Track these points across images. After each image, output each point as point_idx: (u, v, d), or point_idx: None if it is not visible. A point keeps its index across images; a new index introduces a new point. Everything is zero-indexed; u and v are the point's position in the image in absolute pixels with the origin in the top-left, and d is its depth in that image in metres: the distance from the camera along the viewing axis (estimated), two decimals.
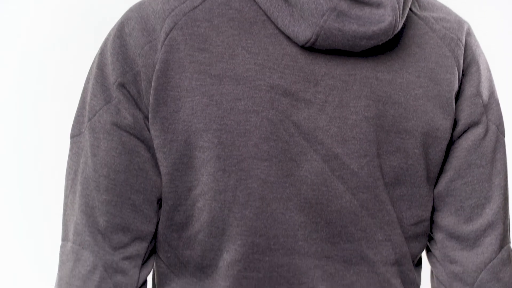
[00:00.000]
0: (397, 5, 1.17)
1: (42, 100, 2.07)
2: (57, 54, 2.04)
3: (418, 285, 1.31)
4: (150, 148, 1.19)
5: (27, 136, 2.11)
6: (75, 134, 1.22)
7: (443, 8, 1.30)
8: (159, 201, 1.22)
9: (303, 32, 1.15)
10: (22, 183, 2.12)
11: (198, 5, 1.18)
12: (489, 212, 1.26)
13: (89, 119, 1.19)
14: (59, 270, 1.21)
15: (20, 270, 2.17)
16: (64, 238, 1.22)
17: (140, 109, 1.18)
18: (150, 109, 1.17)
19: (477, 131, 1.27)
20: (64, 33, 2.05)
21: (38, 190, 2.11)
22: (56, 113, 2.06)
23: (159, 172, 1.19)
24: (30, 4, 2.08)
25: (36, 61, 2.07)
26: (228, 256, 1.20)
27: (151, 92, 1.16)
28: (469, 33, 1.29)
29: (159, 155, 1.18)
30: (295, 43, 1.18)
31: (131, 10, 1.20)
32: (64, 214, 1.23)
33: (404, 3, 1.19)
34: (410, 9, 1.25)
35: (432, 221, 1.30)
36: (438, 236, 1.29)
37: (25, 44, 2.08)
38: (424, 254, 1.34)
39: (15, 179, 2.13)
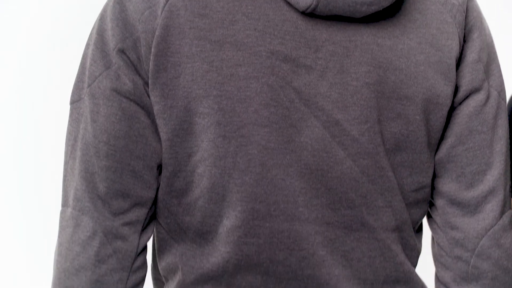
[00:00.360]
0: None
1: (42, 100, 2.07)
2: (58, 53, 2.04)
3: (418, 251, 1.31)
4: (150, 114, 1.18)
5: (27, 136, 2.11)
6: (75, 100, 1.22)
7: None
8: (159, 167, 1.22)
9: None
10: (22, 183, 2.13)
11: None
12: (490, 179, 1.27)
13: (89, 85, 1.19)
14: (59, 236, 1.22)
15: (20, 269, 2.19)
16: (64, 204, 1.22)
17: (140, 75, 1.18)
18: (150, 75, 1.16)
19: (479, 97, 1.27)
20: (64, 32, 2.05)
21: (37, 190, 2.12)
22: (56, 113, 2.06)
23: (159, 138, 1.19)
24: (31, 3, 2.07)
25: (37, 60, 2.07)
26: (228, 222, 1.20)
27: (151, 58, 1.16)
28: None
29: (159, 121, 1.18)
30: (296, 9, 1.17)
31: None
32: (64, 180, 1.23)
33: None
34: None
35: (433, 187, 1.30)
36: (439, 202, 1.29)
37: (25, 44, 2.08)
38: (425, 220, 1.34)
39: (15, 179, 2.14)
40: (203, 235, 1.22)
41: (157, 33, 1.15)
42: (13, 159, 2.12)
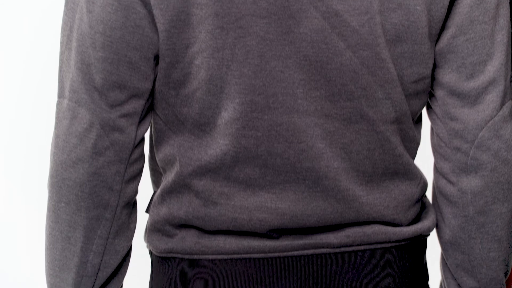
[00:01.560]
0: None
1: (43, 100, 2.05)
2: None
3: (417, 142, 1.32)
4: (146, 4, 1.17)
5: (27, 136, 2.10)
6: None
7: None
8: (156, 58, 1.21)
9: None
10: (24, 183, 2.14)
11: None
12: (491, 69, 1.26)
13: None
14: (55, 128, 1.22)
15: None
16: (60, 95, 1.22)
17: None
18: None
19: None
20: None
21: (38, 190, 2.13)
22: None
23: (156, 29, 1.18)
24: (32, 3, 2.03)
25: (37, 60, 2.04)
26: (227, 114, 1.20)
27: None
28: None
29: (155, 12, 1.16)
30: None
31: None
32: (60, 71, 1.23)
33: None
34: None
35: (433, 78, 1.30)
36: (439, 93, 1.29)
37: (26, 44, 2.04)
38: (424, 111, 1.34)
39: (18, 179, 2.14)
40: (201, 127, 1.23)
41: None
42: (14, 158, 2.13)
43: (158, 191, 1.30)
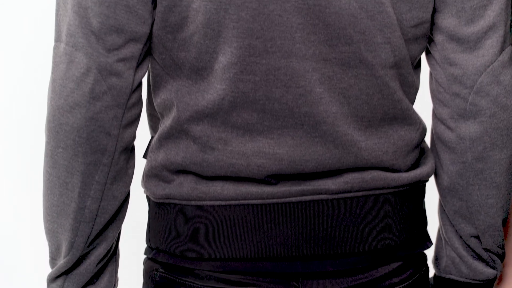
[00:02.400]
0: None
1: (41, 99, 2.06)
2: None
3: (416, 87, 1.32)
4: None
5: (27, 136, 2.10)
6: None
7: None
8: (154, 2, 1.21)
9: None
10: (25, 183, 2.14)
11: None
12: (491, 14, 1.26)
13: None
14: (52, 72, 1.22)
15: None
16: (57, 39, 1.22)
17: None
18: None
19: None
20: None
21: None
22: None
23: None
24: (31, 3, 2.02)
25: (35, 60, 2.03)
26: (224, 58, 1.20)
27: None
28: None
29: None
30: None
31: None
32: (57, 15, 1.23)
33: None
34: None
35: (432, 23, 1.29)
36: (438, 38, 1.29)
37: (26, 44, 2.03)
38: (423, 57, 1.34)
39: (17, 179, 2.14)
40: (199, 71, 1.23)
41: None
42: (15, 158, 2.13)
43: (156, 136, 1.30)
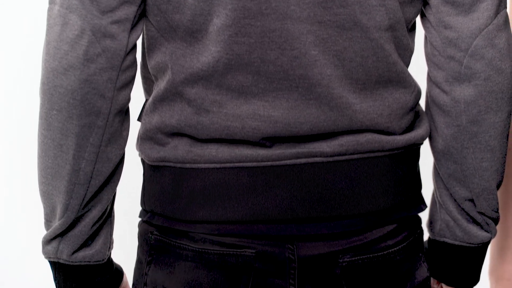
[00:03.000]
0: None
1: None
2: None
3: (411, 50, 1.33)
4: None
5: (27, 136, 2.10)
6: None
7: None
8: None
9: None
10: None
11: None
12: None
13: None
14: (46, 34, 1.22)
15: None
16: (51, 1, 1.23)
17: None
18: None
19: None
20: None
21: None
22: None
23: None
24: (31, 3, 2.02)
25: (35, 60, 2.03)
26: (219, 20, 1.20)
27: None
28: None
29: None
30: None
31: None
32: None
33: None
34: None
35: None
36: (433, 0, 1.29)
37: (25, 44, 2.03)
38: (418, 20, 1.34)
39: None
40: (193, 34, 1.23)
41: None
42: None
43: (150, 99, 1.31)
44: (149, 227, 1.34)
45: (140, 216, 1.38)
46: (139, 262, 1.37)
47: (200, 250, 1.27)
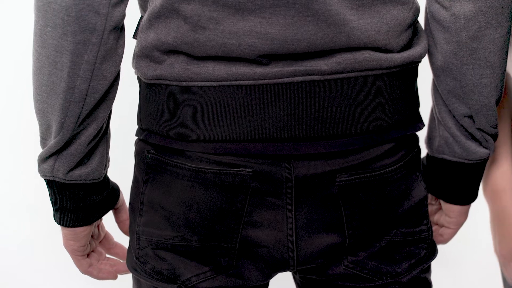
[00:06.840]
0: None
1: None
2: None
3: None
4: None
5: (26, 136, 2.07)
6: None
7: None
8: None
9: None
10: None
11: None
12: None
13: None
14: None
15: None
16: None
17: None
18: None
19: None
20: None
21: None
22: None
23: None
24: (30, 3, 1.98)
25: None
26: None
27: None
28: None
29: None
30: None
31: None
32: None
33: None
34: None
35: None
36: None
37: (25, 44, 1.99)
38: None
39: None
40: None
41: None
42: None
43: (145, 15, 1.31)
44: (146, 145, 1.36)
45: (136, 135, 1.40)
46: (135, 181, 1.40)
47: (196, 169, 1.30)
